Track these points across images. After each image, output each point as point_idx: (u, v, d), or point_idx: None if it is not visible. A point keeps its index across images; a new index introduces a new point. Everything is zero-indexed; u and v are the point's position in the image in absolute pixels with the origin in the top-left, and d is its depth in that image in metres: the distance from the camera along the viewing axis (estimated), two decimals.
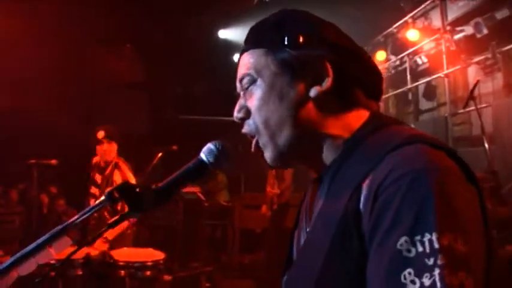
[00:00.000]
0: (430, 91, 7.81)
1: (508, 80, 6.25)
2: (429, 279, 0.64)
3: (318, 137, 0.95)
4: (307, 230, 1.00)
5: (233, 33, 9.23)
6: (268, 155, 0.98)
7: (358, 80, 0.96)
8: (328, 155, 0.95)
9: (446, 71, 6.81)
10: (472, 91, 4.00)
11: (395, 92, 8.43)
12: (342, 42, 0.95)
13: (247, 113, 0.99)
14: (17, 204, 6.58)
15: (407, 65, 7.76)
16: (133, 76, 8.36)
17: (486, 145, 3.89)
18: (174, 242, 6.25)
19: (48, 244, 1.02)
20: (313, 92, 0.92)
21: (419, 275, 0.65)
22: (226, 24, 9.16)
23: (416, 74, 7.86)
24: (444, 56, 6.81)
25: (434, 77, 7.25)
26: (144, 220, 7.15)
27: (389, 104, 8.84)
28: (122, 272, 3.24)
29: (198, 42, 8.66)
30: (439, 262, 0.64)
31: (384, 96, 8.57)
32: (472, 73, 6.81)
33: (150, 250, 3.64)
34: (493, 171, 3.49)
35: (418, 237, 0.67)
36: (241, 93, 1.01)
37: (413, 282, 0.65)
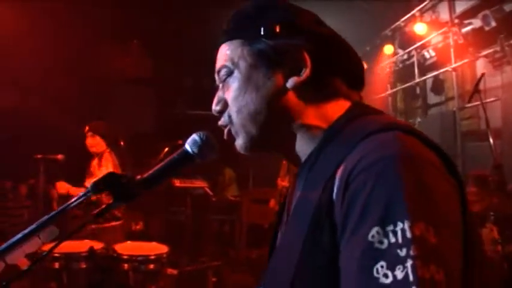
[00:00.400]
0: (438, 85, 7.73)
1: None
2: (401, 271, 0.61)
3: (294, 128, 0.94)
4: (284, 220, 1.00)
5: None
6: (239, 142, 0.98)
7: (338, 69, 0.94)
8: (304, 146, 0.94)
9: (454, 65, 6.73)
10: (477, 84, 3.95)
11: (403, 87, 8.37)
12: (320, 31, 0.94)
13: (225, 106, 0.98)
14: (26, 198, 6.66)
15: (415, 59, 7.69)
16: (141, 72, 8.38)
17: (491, 139, 3.84)
18: (182, 236, 6.29)
19: (36, 233, 1.03)
20: (290, 83, 0.91)
21: (392, 268, 0.62)
22: None
23: (424, 68, 7.79)
24: (452, 50, 6.73)
25: (442, 70, 7.18)
26: (154, 215, 7.23)
27: (397, 98, 8.77)
28: (126, 265, 3.28)
29: (205, 37, 8.63)
30: (411, 253, 0.61)
31: (391, 91, 8.55)
32: (481, 67, 6.72)
33: (154, 244, 3.68)
34: (498, 165, 3.44)
35: (390, 228, 0.64)
36: (220, 85, 1.00)
37: (385, 275, 0.62)
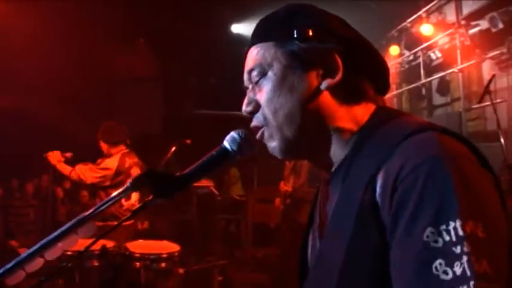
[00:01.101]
0: (444, 86, 7.75)
1: None
2: (460, 267, 0.64)
3: (327, 130, 0.94)
4: (322, 228, 1.00)
5: (246, 28, 9.23)
6: (274, 144, 0.98)
7: (366, 73, 0.95)
8: (337, 149, 0.95)
9: (460, 66, 6.75)
10: (488, 85, 3.96)
11: (408, 87, 8.38)
12: (350, 35, 0.95)
13: (257, 107, 0.99)
14: (32, 197, 6.67)
15: (420, 59, 7.70)
16: (147, 71, 8.40)
17: (502, 140, 3.85)
18: (188, 235, 6.30)
19: (73, 230, 1.04)
20: (324, 85, 0.92)
21: (450, 265, 0.65)
22: (239, 19, 9.16)
23: (430, 69, 7.81)
24: (458, 51, 6.75)
25: (448, 72, 7.20)
26: (160, 214, 7.23)
27: (403, 99, 8.79)
28: (137, 263, 3.29)
29: (211, 37, 8.67)
30: (465, 249, 0.65)
31: (397, 91, 8.59)
32: (487, 68, 6.74)
33: (165, 242, 3.69)
34: (509, 165, 3.45)
35: (443, 227, 0.67)
36: (250, 86, 1.01)
37: (445, 272, 0.65)
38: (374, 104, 0.96)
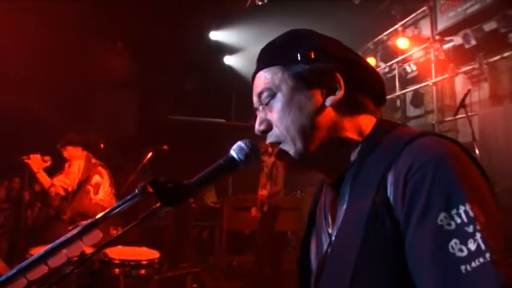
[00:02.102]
0: (418, 98, 7.94)
1: (494, 90, 6.40)
2: (473, 244, 0.73)
3: (336, 141, 1.02)
4: (329, 230, 1.05)
5: (225, 35, 9.25)
6: (289, 159, 1.04)
7: (365, 88, 1.05)
8: (345, 157, 1.03)
9: (434, 80, 6.94)
10: (464, 99, 4.10)
11: None
12: (347, 55, 1.04)
13: (269, 126, 1.06)
14: (3, 201, 6.48)
15: (396, 72, 7.87)
16: (124, 74, 8.30)
17: (477, 151, 3.99)
18: (162, 242, 6.24)
19: (79, 237, 1.03)
20: (328, 102, 1.01)
21: (464, 243, 0.74)
22: (218, 26, 9.17)
23: (405, 82, 7.99)
24: (433, 65, 6.94)
25: (423, 85, 7.38)
26: (133, 220, 7.11)
27: None
28: (117, 270, 3.25)
29: (189, 43, 8.66)
30: (478, 227, 0.74)
31: None
32: (460, 82, 6.95)
33: (145, 249, 3.66)
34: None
35: (454, 211, 0.76)
36: (260, 107, 1.08)
37: (460, 250, 0.74)
38: (374, 116, 1.06)
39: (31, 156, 4.20)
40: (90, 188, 4.57)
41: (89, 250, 3.29)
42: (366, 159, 0.96)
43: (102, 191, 4.59)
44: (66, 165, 4.56)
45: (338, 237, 0.97)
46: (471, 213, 0.75)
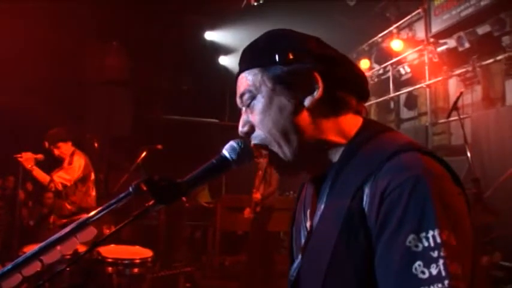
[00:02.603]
0: (412, 100, 7.98)
1: (487, 93, 6.45)
2: (435, 268, 0.76)
3: (318, 142, 1.02)
4: (307, 225, 1.08)
5: (219, 36, 9.25)
6: (280, 162, 1.05)
7: (347, 85, 1.04)
8: (327, 159, 1.04)
9: (428, 82, 6.98)
10: (456, 102, 4.13)
11: (377, 100, 8.57)
12: (326, 52, 1.04)
13: (252, 128, 1.06)
14: None
15: (390, 74, 7.91)
16: (119, 73, 8.29)
17: (468, 153, 4.02)
18: (155, 241, 6.23)
19: (73, 234, 1.04)
20: (307, 102, 1.01)
21: (427, 266, 0.77)
22: (213, 26, 9.18)
23: (399, 84, 8.03)
24: (427, 67, 6.98)
25: (416, 87, 7.42)
26: (126, 219, 7.10)
27: (372, 112, 8.98)
28: (110, 268, 3.25)
29: (184, 43, 8.66)
30: (442, 254, 0.77)
31: (366, 104, 8.83)
32: (453, 85, 7.00)
33: (138, 248, 3.66)
34: (475, 178, 3.61)
35: (423, 234, 0.79)
36: (243, 108, 1.09)
37: (423, 272, 0.77)
38: (359, 115, 1.07)
39: (23, 154, 4.19)
40: (90, 184, 4.63)
41: (81, 248, 3.30)
42: (348, 163, 0.97)
43: (95, 188, 4.67)
44: (66, 161, 4.57)
45: (314, 235, 1.00)
46: (438, 239, 0.77)
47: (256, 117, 1.04)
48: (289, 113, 1.01)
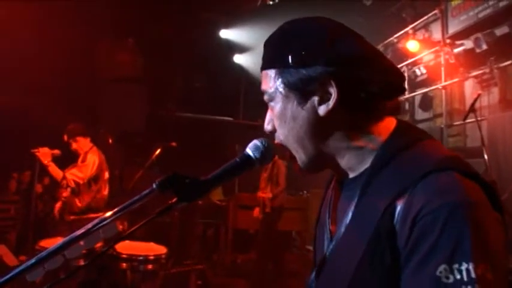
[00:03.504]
0: (427, 102, 7.90)
1: (504, 95, 6.37)
2: None
3: (338, 148, 0.99)
4: (330, 228, 1.06)
5: (235, 34, 9.25)
6: (299, 163, 1.04)
7: (370, 86, 0.93)
8: (352, 164, 0.99)
9: (444, 83, 6.91)
10: (474, 103, 4.09)
11: None
12: (347, 52, 0.93)
13: (274, 128, 1.05)
14: (14, 193, 6.55)
15: (405, 74, 7.83)
16: (134, 70, 8.33)
17: (485, 156, 3.98)
18: (168, 238, 6.27)
19: (97, 229, 1.05)
20: (321, 111, 0.95)
21: None
22: (228, 25, 9.18)
23: (414, 85, 7.96)
24: (443, 68, 6.91)
25: (432, 88, 7.36)
26: (139, 215, 7.15)
27: None
28: (124, 264, 3.27)
29: (199, 41, 8.68)
30: None
31: None
32: (469, 87, 6.92)
33: (152, 244, 3.68)
34: (492, 181, 3.57)
35: (456, 266, 0.74)
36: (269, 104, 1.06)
37: None
38: (390, 115, 0.99)
39: (40, 149, 4.25)
40: (102, 184, 4.66)
41: (97, 244, 3.33)
42: (379, 173, 0.91)
43: (108, 187, 4.70)
44: (80, 158, 4.62)
45: (339, 246, 0.96)
46: (473, 274, 0.73)
47: (275, 119, 1.03)
48: (303, 122, 0.97)
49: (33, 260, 1.00)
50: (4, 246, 4.56)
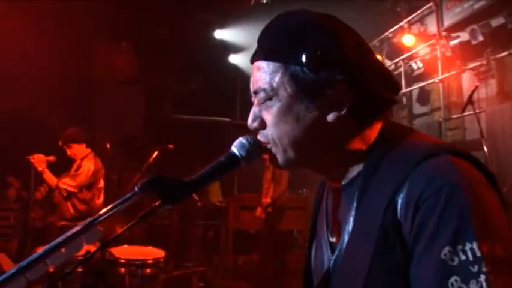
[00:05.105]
0: (424, 96, 7.89)
1: (502, 86, 6.34)
2: (476, 285, 0.70)
3: (335, 153, 0.96)
4: (331, 240, 1.01)
5: (229, 34, 9.24)
6: (276, 160, 0.99)
7: (377, 96, 0.94)
8: (346, 167, 0.96)
9: (441, 76, 6.88)
10: (471, 96, 4.05)
11: None
12: (363, 59, 0.92)
13: (262, 124, 0.98)
14: (14, 201, 6.53)
15: (402, 69, 7.81)
16: (129, 73, 8.32)
17: (485, 148, 3.95)
18: (168, 241, 6.24)
19: (79, 236, 1.02)
20: (330, 118, 0.91)
21: (466, 282, 0.71)
22: (222, 25, 9.17)
23: (411, 79, 7.93)
24: (439, 62, 6.88)
25: (429, 82, 7.33)
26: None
27: None
28: (122, 269, 3.25)
29: (194, 42, 8.66)
30: (483, 269, 0.70)
31: None
32: (467, 79, 6.89)
33: (150, 248, 3.66)
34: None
35: (460, 247, 0.72)
36: (255, 101, 0.99)
37: None
38: (381, 119, 0.97)
39: (35, 155, 4.22)
40: (96, 192, 4.61)
41: (94, 249, 3.31)
42: (374, 174, 0.89)
43: (102, 196, 4.65)
44: (74, 166, 4.58)
45: (346, 254, 0.91)
46: (478, 253, 0.71)
47: (269, 119, 0.95)
48: (306, 125, 0.92)
49: (13, 270, 0.97)
50: (4, 254, 4.53)
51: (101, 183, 4.67)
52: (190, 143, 7.57)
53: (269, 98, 0.94)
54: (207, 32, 9.15)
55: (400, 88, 1.02)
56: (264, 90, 0.94)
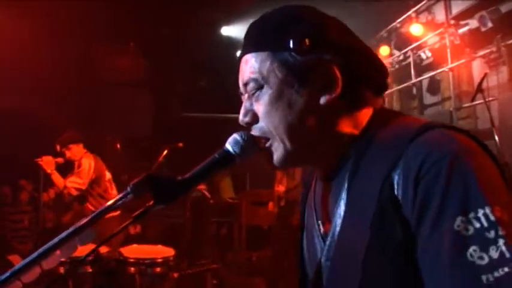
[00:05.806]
0: (434, 85, 7.79)
1: None
2: (496, 251, 0.67)
3: (329, 139, 0.95)
4: (322, 230, 0.99)
5: (236, 30, 9.21)
6: (276, 156, 0.97)
7: (367, 80, 0.95)
8: (338, 153, 0.95)
9: (450, 65, 6.77)
10: (480, 84, 3.98)
11: (399, 87, 8.39)
12: (349, 42, 0.94)
13: (255, 118, 0.98)
14: (26, 203, 6.61)
15: (411, 59, 7.72)
16: (137, 74, 8.35)
17: (496, 137, 3.87)
18: (181, 239, 6.26)
19: (73, 237, 1.01)
20: (322, 100, 0.91)
21: (485, 250, 0.68)
22: (229, 21, 9.15)
23: (421, 69, 7.83)
24: (448, 50, 6.77)
25: (438, 71, 7.23)
26: (152, 217, 7.18)
27: (394, 99, 8.81)
28: (132, 268, 3.27)
29: (201, 40, 8.66)
30: (500, 233, 0.68)
31: (388, 91, 8.66)
32: (477, 67, 6.78)
33: (160, 247, 3.67)
34: (505, 162, 3.47)
35: (472, 215, 0.69)
36: (246, 95, 0.99)
37: (481, 258, 0.67)
38: (372, 106, 0.97)
39: (43, 157, 4.26)
40: (107, 184, 4.67)
41: (104, 250, 3.32)
42: (364, 154, 0.88)
43: (114, 186, 4.72)
44: (76, 165, 4.64)
45: (340, 239, 0.89)
46: (492, 217, 0.68)
47: (261, 109, 0.95)
48: (299, 110, 0.91)
49: (7, 274, 0.96)
50: (18, 256, 4.60)
51: (108, 175, 4.74)
52: (200, 141, 7.57)
53: (260, 87, 0.94)
54: (214, 29, 9.14)
55: (387, 74, 1.01)
56: (254, 80, 0.94)
